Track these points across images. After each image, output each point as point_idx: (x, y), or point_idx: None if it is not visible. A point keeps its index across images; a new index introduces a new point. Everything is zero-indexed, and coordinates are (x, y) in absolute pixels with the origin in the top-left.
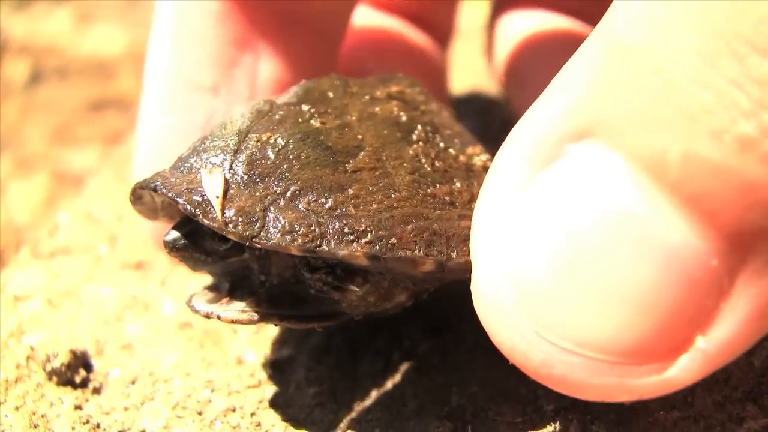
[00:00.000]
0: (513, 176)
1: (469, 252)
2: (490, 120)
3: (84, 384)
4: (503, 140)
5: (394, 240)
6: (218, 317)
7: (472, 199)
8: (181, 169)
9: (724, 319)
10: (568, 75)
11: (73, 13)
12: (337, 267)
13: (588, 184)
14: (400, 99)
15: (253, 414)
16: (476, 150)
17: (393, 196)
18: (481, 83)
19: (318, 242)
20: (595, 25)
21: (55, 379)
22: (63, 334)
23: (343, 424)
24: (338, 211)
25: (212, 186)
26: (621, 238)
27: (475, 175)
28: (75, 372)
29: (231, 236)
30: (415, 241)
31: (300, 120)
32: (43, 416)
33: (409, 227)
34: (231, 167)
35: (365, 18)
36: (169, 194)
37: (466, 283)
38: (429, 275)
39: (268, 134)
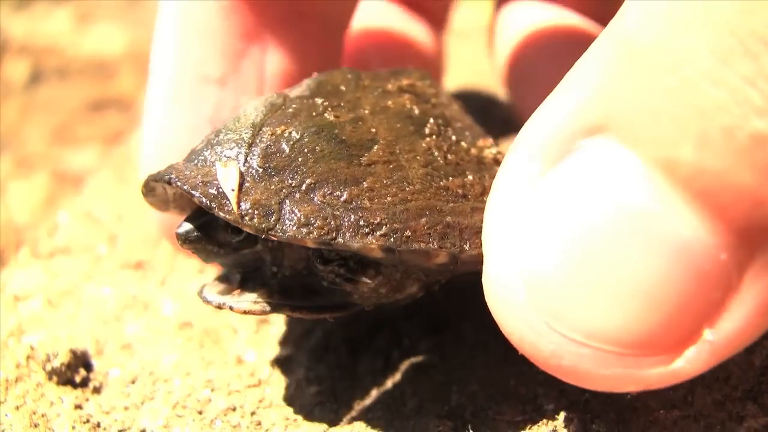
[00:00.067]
0: (525, 170)
1: (481, 244)
2: (490, 119)
3: (84, 383)
4: (505, 139)
5: (408, 232)
6: (230, 308)
7: (484, 191)
8: (195, 161)
9: (732, 312)
10: (579, 72)
11: (73, 13)
12: (350, 259)
13: (600, 179)
14: (412, 92)
15: (253, 413)
16: (487, 143)
17: (407, 189)
18: (480, 82)
19: (333, 235)
20: (596, 19)
21: (55, 378)
22: (63, 333)
23: (343, 423)
24: (353, 203)
25: (227, 179)
26: (632, 232)
27: (486, 168)
28: (75, 371)
29: (247, 229)
30: (429, 234)
31: (314, 113)
32: (43, 416)
33: (423, 220)
34: (246, 160)
35: (364, 8)
36: (185, 187)
37: (473, 277)
38: (442, 267)
39: (283, 127)
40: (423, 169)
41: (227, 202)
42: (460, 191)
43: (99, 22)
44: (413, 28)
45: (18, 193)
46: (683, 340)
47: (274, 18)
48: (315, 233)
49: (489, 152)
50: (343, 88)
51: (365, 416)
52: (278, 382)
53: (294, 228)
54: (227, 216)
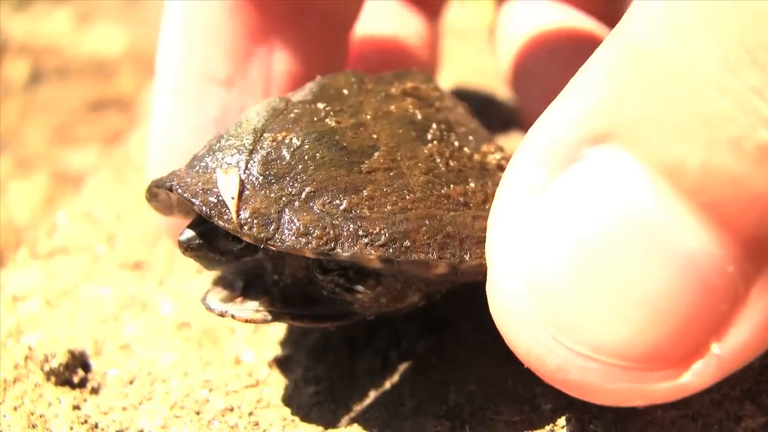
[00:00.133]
0: (530, 179)
1: (482, 254)
2: (489, 119)
3: (82, 384)
4: (504, 139)
5: (407, 243)
6: (232, 316)
7: (486, 199)
8: (197, 168)
9: (739, 325)
10: (585, 78)
11: (73, 13)
12: (349, 269)
13: (606, 188)
14: (415, 95)
15: (251, 413)
16: (490, 148)
17: (407, 197)
18: (479, 82)
19: (332, 245)
20: (598, 17)
21: (53, 379)
22: (61, 334)
23: (341, 424)
24: (352, 213)
25: (227, 187)
26: (638, 243)
27: (489, 174)
28: (73, 372)
29: (246, 238)
30: (429, 244)
31: (315, 119)
32: (41, 416)
33: (423, 229)
34: (246, 167)
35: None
36: (185, 195)
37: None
38: (442, 278)
39: (284, 133)
40: (424, 177)
41: (227, 210)
42: (461, 199)
43: (99, 22)
44: (407, 20)
45: (18, 193)
46: (690, 353)
47: (280, 18)
48: (314, 243)
49: (492, 158)
50: (345, 92)
51: (363, 416)
52: (276, 382)
53: (293, 238)
54: (226, 225)
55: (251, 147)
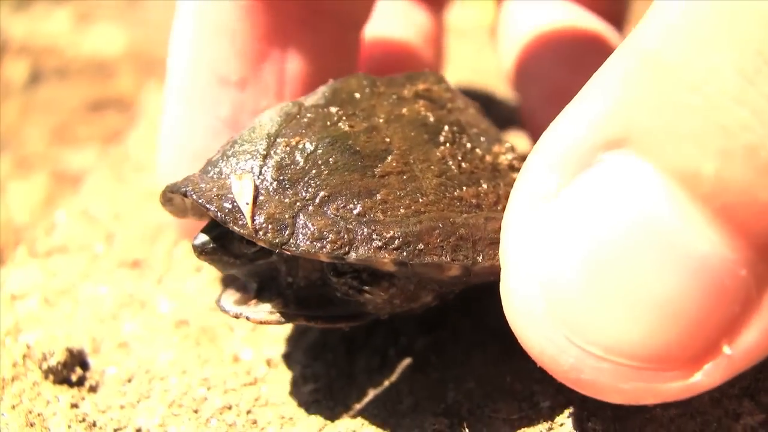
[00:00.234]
0: (544, 183)
1: (495, 255)
2: (491, 119)
3: (80, 382)
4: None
5: (421, 246)
6: (247, 318)
7: (498, 200)
8: (211, 173)
9: (751, 327)
10: (600, 84)
11: (73, 13)
12: (363, 271)
13: (620, 193)
14: (427, 98)
15: (249, 411)
16: (502, 149)
17: (420, 200)
18: (480, 81)
19: (346, 249)
20: (600, 14)
21: (51, 377)
22: (59, 332)
23: (339, 421)
24: (366, 217)
25: (242, 192)
26: (652, 246)
27: (501, 175)
28: (71, 370)
29: (261, 243)
30: (442, 247)
31: (328, 123)
32: (39, 415)
33: (436, 232)
34: (261, 172)
35: None
36: (200, 201)
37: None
38: (455, 279)
39: (297, 138)
40: (437, 179)
41: (241, 216)
42: (474, 201)
43: (99, 23)
44: (413, 15)
45: (17, 193)
46: (702, 354)
47: (292, 18)
48: (328, 247)
49: (504, 158)
50: (357, 95)
51: (361, 414)
52: (274, 380)
53: (307, 242)
54: (241, 230)
55: (265, 152)
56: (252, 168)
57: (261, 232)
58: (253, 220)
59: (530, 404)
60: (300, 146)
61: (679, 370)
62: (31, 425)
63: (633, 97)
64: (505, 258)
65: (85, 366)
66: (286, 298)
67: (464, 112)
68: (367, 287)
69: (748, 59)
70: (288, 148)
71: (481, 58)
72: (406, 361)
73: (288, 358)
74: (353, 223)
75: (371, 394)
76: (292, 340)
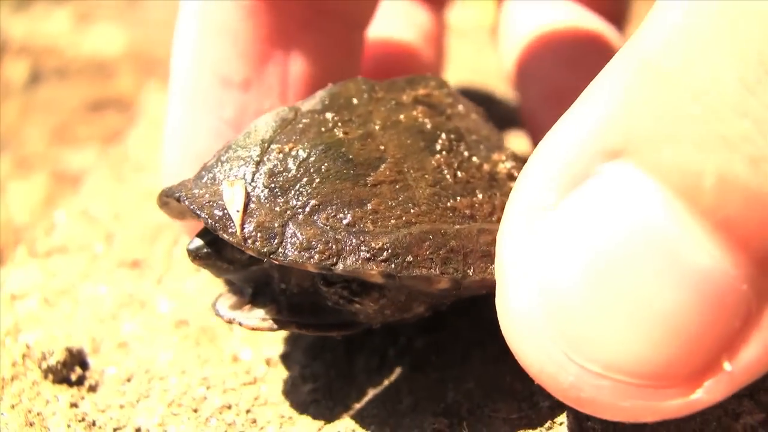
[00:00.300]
0: (541, 194)
1: (486, 268)
2: (493, 122)
3: (80, 382)
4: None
5: (410, 258)
6: (240, 324)
7: (494, 211)
8: (205, 179)
9: (751, 343)
10: (598, 92)
11: (73, 13)
12: (353, 282)
13: (620, 205)
14: (427, 103)
15: (248, 411)
16: (501, 156)
17: (412, 210)
18: (479, 81)
19: (334, 260)
20: (601, 13)
21: (51, 377)
22: (59, 332)
23: (338, 421)
24: (356, 227)
25: (233, 200)
26: (651, 260)
27: (498, 185)
28: (71, 370)
29: (250, 252)
30: (432, 259)
31: (323, 129)
32: (38, 414)
33: (426, 244)
34: (253, 179)
35: None
36: (191, 207)
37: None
38: (445, 292)
39: (291, 145)
40: (430, 189)
41: (231, 224)
42: (467, 212)
43: (98, 23)
44: (414, 14)
45: (17, 193)
46: (703, 371)
47: (296, 19)
48: (316, 258)
49: (503, 167)
50: (355, 101)
51: (361, 414)
52: (274, 379)
53: (296, 252)
54: (231, 238)
55: (258, 159)
56: (244, 174)
57: (250, 241)
58: (242, 229)
59: (530, 404)
60: (293, 153)
61: (680, 387)
62: (31, 425)
63: (632, 107)
64: (501, 271)
65: (84, 366)
66: (280, 304)
67: (465, 118)
68: (356, 298)
69: (750, 68)
70: (281, 155)
71: (481, 58)
72: (406, 361)
73: (287, 358)
74: (342, 234)
75: (370, 393)
76: (292, 340)
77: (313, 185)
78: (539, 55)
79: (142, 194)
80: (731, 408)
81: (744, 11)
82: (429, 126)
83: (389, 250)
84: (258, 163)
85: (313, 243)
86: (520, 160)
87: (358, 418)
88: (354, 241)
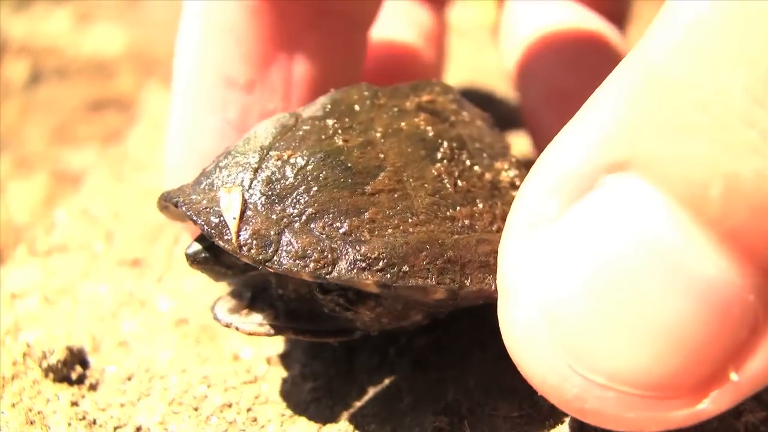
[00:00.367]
0: (543, 206)
1: (484, 279)
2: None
3: (80, 380)
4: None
5: (406, 268)
6: (237, 328)
7: (494, 220)
8: (203, 185)
9: (758, 353)
10: (601, 103)
11: (73, 13)
12: (349, 290)
13: (624, 217)
14: (430, 110)
15: (249, 409)
16: (504, 164)
17: (410, 220)
18: (479, 80)
19: (329, 269)
20: (602, 13)
21: (51, 375)
22: (59, 331)
23: (339, 420)
24: (352, 236)
25: (230, 206)
26: (656, 271)
27: (500, 194)
28: (71, 369)
29: (245, 259)
30: (428, 269)
31: (323, 137)
32: (39, 413)
33: (423, 254)
34: (250, 186)
35: None
36: (188, 213)
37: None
38: (441, 302)
39: (289, 152)
40: (429, 198)
41: (227, 231)
42: (467, 221)
43: (98, 22)
44: (415, 13)
45: (17, 193)
46: (708, 381)
47: (300, 20)
48: (311, 266)
49: (506, 175)
50: (357, 107)
51: (361, 412)
52: (274, 378)
53: (290, 260)
54: (226, 246)
55: (257, 165)
56: (242, 181)
57: (245, 249)
58: (238, 236)
59: (530, 403)
60: (291, 161)
61: (685, 397)
62: (31, 423)
63: (636, 117)
64: (504, 283)
65: (85, 364)
66: (277, 309)
67: (469, 125)
68: (352, 306)
69: (758, 79)
70: (279, 162)
71: (481, 58)
72: (406, 360)
73: (288, 357)
74: (338, 242)
75: (371, 392)
76: (292, 339)
77: (311, 193)
78: (540, 55)
79: (142, 193)
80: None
81: (750, 21)
82: (431, 134)
83: (385, 260)
84: (256, 170)
85: (309, 251)
86: (524, 168)
87: (359, 416)
88: (350, 250)
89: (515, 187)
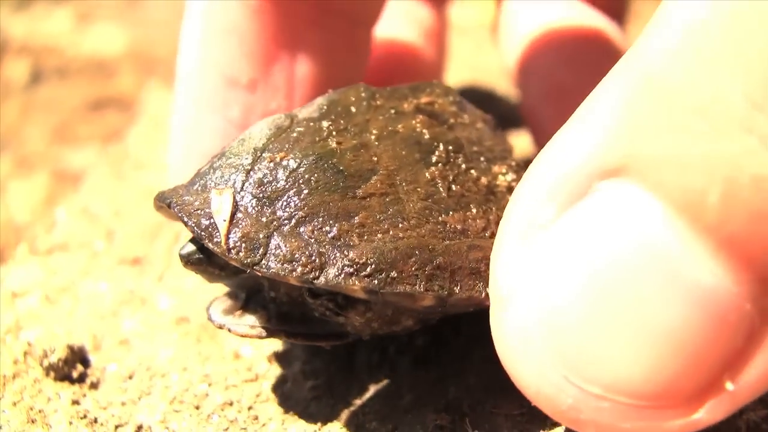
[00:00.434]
0: (537, 212)
1: (474, 286)
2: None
3: (81, 379)
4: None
5: (394, 274)
6: (229, 330)
7: (487, 226)
8: (196, 186)
9: (754, 362)
10: (596, 108)
11: (73, 12)
12: (338, 295)
13: (619, 223)
14: (428, 112)
15: (250, 408)
16: (502, 168)
17: (400, 225)
18: (479, 78)
19: (316, 273)
20: (601, 9)
21: (52, 374)
22: (60, 329)
23: (340, 417)
24: (341, 240)
25: (220, 209)
26: (652, 279)
27: (495, 199)
28: (72, 367)
29: (233, 262)
30: (417, 275)
31: (317, 139)
32: (40, 411)
33: (412, 260)
34: (242, 188)
35: None
36: (180, 214)
37: None
38: (430, 309)
39: (282, 154)
40: (422, 203)
41: (217, 233)
42: (459, 227)
43: (99, 22)
44: (415, 10)
45: (18, 193)
46: (704, 390)
47: (303, 19)
48: (298, 271)
49: (503, 179)
50: (353, 109)
51: (362, 411)
52: (275, 376)
53: (278, 264)
54: (215, 248)
55: (249, 167)
56: (234, 183)
57: (234, 251)
58: (227, 239)
59: None
60: (284, 163)
61: (681, 407)
62: (33, 422)
63: (632, 122)
64: (496, 290)
65: (86, 363)
66: (269, 312)
67: (468, 127)
68: (342, 311)
69: (756, 84)
70: (272, 164)
71: (481, 56)
72: (406, 357)
73: (288, 355)
74: (326, 247)
75: (372, 390)
76: None
77: (301, 196)
78: (540, 52)
79: (143, 192)
80: None
81: (748, 24)
82: (427, 137)
83: (373, 266)
84: (248, 172)
85: (297, 255)
86: (523, 171)
87: (360, 414)
88: (338, 254)
89: (512, 192)
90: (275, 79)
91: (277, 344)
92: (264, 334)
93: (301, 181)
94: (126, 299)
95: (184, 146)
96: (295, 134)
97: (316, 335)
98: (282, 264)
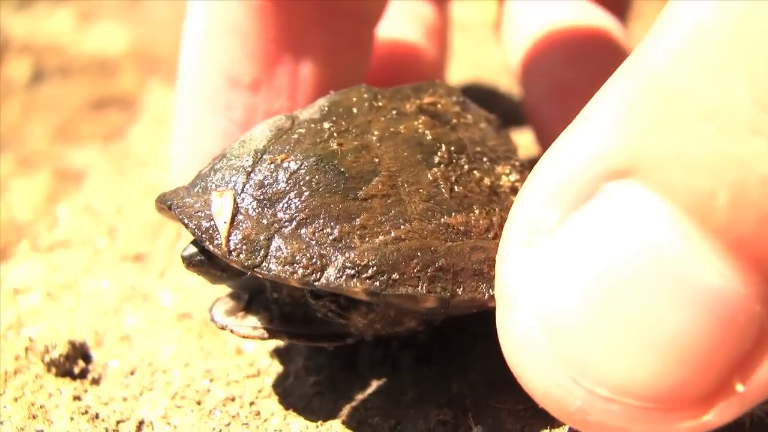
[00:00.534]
0: (543, 215)
1: (476, 288)
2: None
3: (83, 375)
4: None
5: (396, 275)
6: (231, 331)
7: (490, 227)
8: (197, 188)
9: (765, 364)
10: (601, 110)
11: (75, 11)
12: (340, 296)
13: (626, 224)
14: (431, 112)
15: (252, 403)
16: (505, 169)
17: (402, 227)
18: (481, 76)
19: (317, 275)
20: (603, 5)
21: (53, 370)
22: (62, 325)
23: (342, 413)
24: (342, 242)
25: (221, 211)
26: (660, 281)
27: (498, 200)
28: (74, 363)
29: (234, 265)
30: (419, 277)
31: (318, 140)
32: (41, 407)
33: (414, 262)
34: (243, 190)
35: None
36: (180, 216)
37: None
38: (432, 311)
39: (283, 156)
40: (424, 204)
41: (217, 235)
42: (461, 228)
43: (100, 21)
44: (417, 8)
45: (20, 191)
46: (714, 393)
47: (306, 19)
48: (299, 272)
49: (506, 180)
50: (355, 110)
51: (364, 406)
52: (277, 372)
53: (279, 267)
54: (216, 250)
55: (250, 169)
56: (235, 185)
57: (234, 254)
58: (227, 241)
59: None
60: (285, 165)
61: (691, 409)
62: (34, 417)
63: (638, 125)
64: (503, 292)
65: (87, 359)
66: (272, 313)
67: (471, 128)
68: (344, 312)
69: (764, 86)
70: (272, 166)
71: (483, 54)
72: (409, 353)
73: (290, 351)
74: (327, 249)
75: (374, 386)
76: None
77: (302, 198)
78: (543, 50)
79: (144, 189)
80: None
81: (753, 26)
82: (429, 137)
83: (374, 267)
84: (249, 174)
85: (297, 257)
86: (527, 172)
87: (362, 410)
88: (339, 256)
89: (516, 193)
90: (278, 79)
91: (279, 340)
92: (266, 335)
93: (302, 183)
94: (128, 296)
95: (187, 147)
96: (296, 136)
97: (318, 336)
98: (283, 266)
